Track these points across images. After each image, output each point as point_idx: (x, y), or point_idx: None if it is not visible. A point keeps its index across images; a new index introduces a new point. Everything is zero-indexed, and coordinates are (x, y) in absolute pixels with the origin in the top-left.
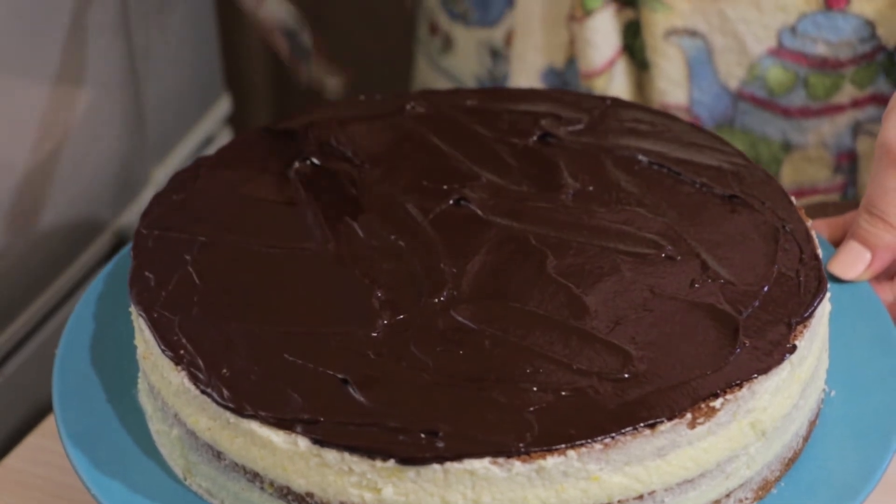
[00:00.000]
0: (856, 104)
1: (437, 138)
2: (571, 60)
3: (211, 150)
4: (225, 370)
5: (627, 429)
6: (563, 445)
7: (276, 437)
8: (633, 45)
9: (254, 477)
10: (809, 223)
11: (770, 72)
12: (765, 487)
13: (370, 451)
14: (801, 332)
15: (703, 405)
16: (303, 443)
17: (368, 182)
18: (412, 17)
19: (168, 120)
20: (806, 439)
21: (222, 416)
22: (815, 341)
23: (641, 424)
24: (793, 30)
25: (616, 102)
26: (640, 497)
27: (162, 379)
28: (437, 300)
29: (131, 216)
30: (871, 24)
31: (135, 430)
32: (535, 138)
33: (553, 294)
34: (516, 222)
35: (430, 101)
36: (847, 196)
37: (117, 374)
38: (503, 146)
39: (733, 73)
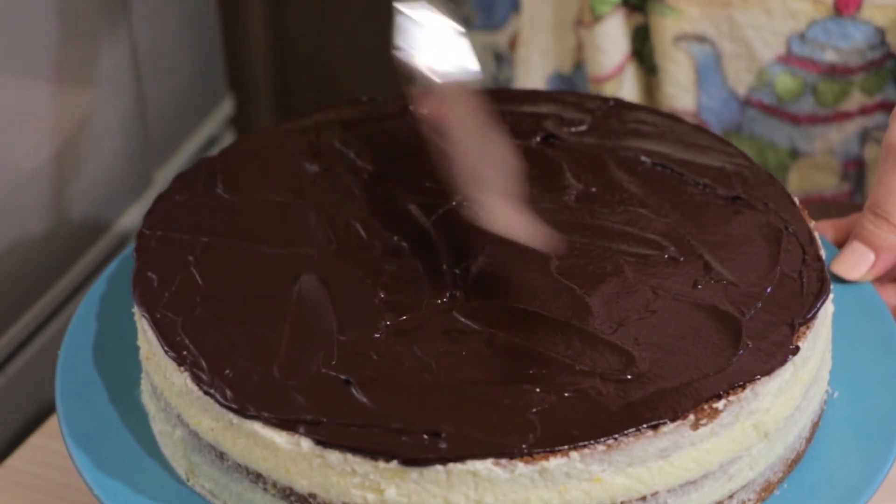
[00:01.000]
0: (864, 111)
1: (441, 139)
2: (579, 65)
3: (214, 151)
4: (228, 371)
5: (630, 430)
6: (565, 447)
7: (279, 437)
8: (643, 50)
9: (257, 478)
10: (812, 224)
11: (778, 79)
12: (767, 489)
13: (373, 451)
14: (804, 333)
15: (705, 406)
16: (305, 444)
17: (371, 183)
18: None
19: (171, 121)
20: (809, 441)
21: (225, 416)
22: (817, 342)
23: (644, 426)
24: (802, 36)
25: (619, 103)
26: (643, 498)
27: (165, 380)
28: (439, 301)
29: (134, 217)
30: (880, 31)
31: (138, 431)
32: (538, 139)
33: (556, 295)
34: None
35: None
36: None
37: (120, 374)
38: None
39: (742, 80)
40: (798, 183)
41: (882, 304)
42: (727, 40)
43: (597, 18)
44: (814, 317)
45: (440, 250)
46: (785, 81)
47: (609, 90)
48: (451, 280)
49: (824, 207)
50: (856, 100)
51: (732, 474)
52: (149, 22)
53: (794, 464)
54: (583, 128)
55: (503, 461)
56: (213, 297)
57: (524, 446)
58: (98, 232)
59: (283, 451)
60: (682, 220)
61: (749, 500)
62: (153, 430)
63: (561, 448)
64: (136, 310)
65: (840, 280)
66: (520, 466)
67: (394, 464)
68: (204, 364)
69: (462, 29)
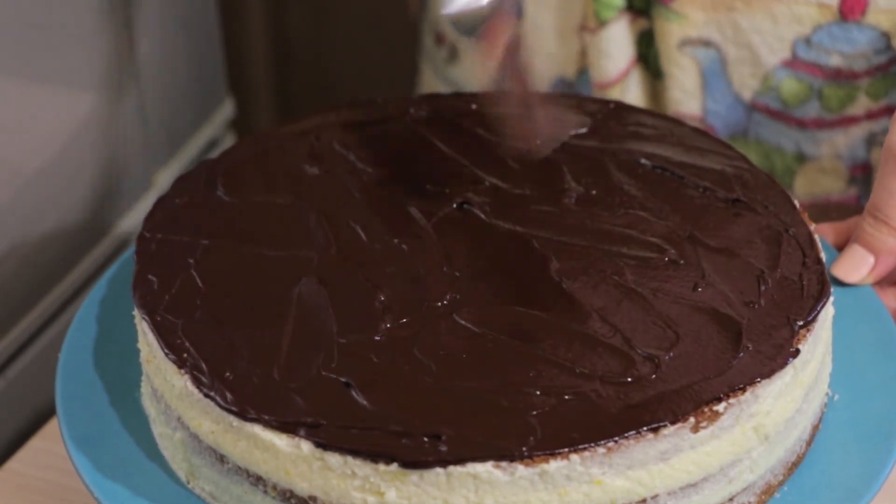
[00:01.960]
0: (870, 116)
1: (440, 142)
2: (583, 71)
3: (214, 154)
4: (228, 373)
5: (630, 433)
6: (566, 449)
7: (279, 440)
8: (647, 55)
9: (257, 480)
10: (813, 227)
11: (784, 83)
12: (768, 491)
13: (373, 454)
14: (805, 335)
15: (706, 409)
16: (306, 446)
17: (371, 185)
18: (416, 27)
19: (171, 123)
20: (809, 443)
21: (225, 419)
22: (818, 345)
23: (644, 428)
24: (807, 41)
25: (619, 106)
26: (643, 501)
27: (165, 382)
28: (439, 304)
29: (135, 220)
30: (886, 36)
31: (138, 434)
32: (538, 142)
33: (556, 298)
34: (519, 226)
35: (432, 105)
36: None
37: (120, 377)
38: (505, 150)
39: (747, 84)
40: (805, 187)
41: (882, 307)
42: (732, 45)
43: (601, 24)
44: (814, 319)
45: (440, 253)
46: (790, 86)
47: (614, 95)
48: (450, 282)
49: (825, 210)
50: (862, 104)
51: (732, 477)
52: (149, 24)
53: (794, 466)
54: (583, 130)
55: (503, 464)
56: (213, 300)
57: (524, 449)
58: (98, 234)
59: (284, 453)
60: (683, 222)
61: (749, 502)
62: (153, 432)
63: (561, 451)
64: (136, 312)
65: (840, 283)
66: (520, 469)
67: (394, 466)
68: (204, 366)
69: None
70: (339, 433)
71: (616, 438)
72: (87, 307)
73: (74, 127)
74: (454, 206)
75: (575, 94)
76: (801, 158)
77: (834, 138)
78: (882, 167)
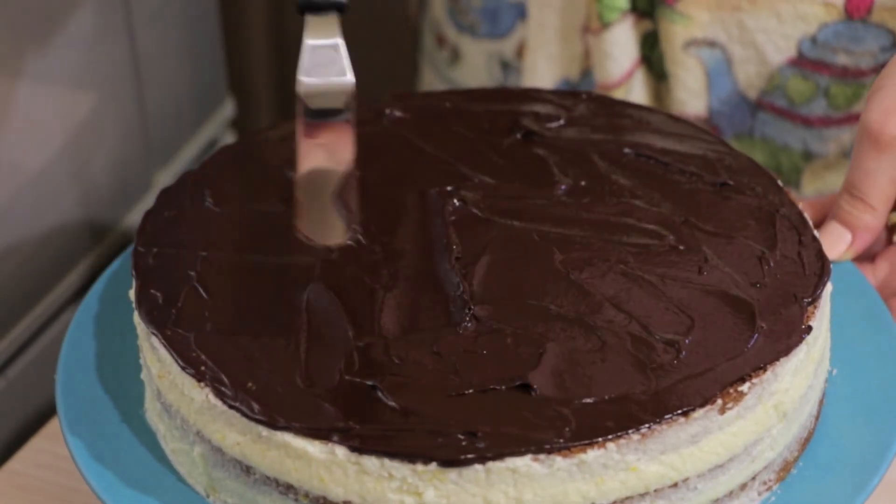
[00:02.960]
0: None
1: (422, 142)
2: (587, 72)
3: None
4: (250, 384)
5: (663, 417)
6: (601, 438)
7: (312, 447)
8: (652, 56)
9: (287, 489)
10: (801, 205)
11: (790, 82)
12: (785, 468)
13: (411, 455)
14: (813, 312)
15: (731, 390)
16: (340, 451)
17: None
18: (417, 28)
19: (171, 123)
20: (817, 418)
21: (253, 430)
22: (823, 321)
23: (676, 412)
24: (813, 40)
25: (590, 96)
26: (675, 485)
27: (182, 397)
28: (449, 302)
29: (135, 220)
30: (891, 34)
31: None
32: (518, 136)
33: (566, 289)
34: (516, 221)
35: (406, 105)
36: None
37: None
38: (488, 146)
39: (753, 83)
40: (812, 184)
41: (864, 280)
42: (738, 45)
43: (605, 25)
44: (820, 295)
45: (443, 251)
46: (797, 85)
47: (618, 97)
48: (458, 280)
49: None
50: None
51: (755, 456)
52: (149, 25)
53: (806, 442)
54: (560, 123)
55: (542, 456)
56: (221, 311)
57: (562, 440)
58: (98, 235)
59: (317, 460)
60: (676, 208)
61: (770, 479)
62: (164, 448)
63: (597, 440)
64: (142, 328)
65: None
66: (558, 461)
67: (433, 466)
68: (224, 378)
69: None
70: (373, 436)
71: (649, 424)
72: (87, 307)
73: (75, 127)
74: (448, 204)
75: (546, 89)
76: (808, 156)
77: (841, 136)
78: (857, 145)
